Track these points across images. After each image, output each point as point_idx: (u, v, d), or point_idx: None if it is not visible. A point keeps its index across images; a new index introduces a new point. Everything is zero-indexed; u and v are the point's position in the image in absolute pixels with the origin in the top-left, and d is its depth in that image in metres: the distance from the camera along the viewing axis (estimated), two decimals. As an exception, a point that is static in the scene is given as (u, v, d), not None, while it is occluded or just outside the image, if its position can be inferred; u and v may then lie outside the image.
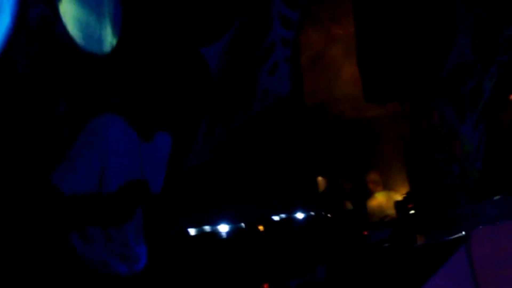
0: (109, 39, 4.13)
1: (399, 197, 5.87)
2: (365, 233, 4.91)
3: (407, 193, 5.62)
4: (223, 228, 4.59)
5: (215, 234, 4.51)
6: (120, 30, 4.15)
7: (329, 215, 5.37)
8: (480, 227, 4.07)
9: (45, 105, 3.74)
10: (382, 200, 5.94)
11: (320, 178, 6.02)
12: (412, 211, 5.35)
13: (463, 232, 3.98)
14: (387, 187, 6.18)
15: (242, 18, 5.10)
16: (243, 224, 4.70)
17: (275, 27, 5.41)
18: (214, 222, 4.59)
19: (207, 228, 4.54)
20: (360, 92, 5.50)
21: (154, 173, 3.16)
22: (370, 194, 5.85)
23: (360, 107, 5.99)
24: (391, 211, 5.78)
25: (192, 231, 4.37)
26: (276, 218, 5.07)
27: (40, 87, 3.74)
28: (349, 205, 5.86)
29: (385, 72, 4.99)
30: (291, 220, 5.19)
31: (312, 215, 5.37)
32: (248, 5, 5.12)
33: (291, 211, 5.24)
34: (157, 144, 3.12)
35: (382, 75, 4.99)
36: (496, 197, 4.55)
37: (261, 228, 4.73)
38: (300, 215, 5.31)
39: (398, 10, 5.04)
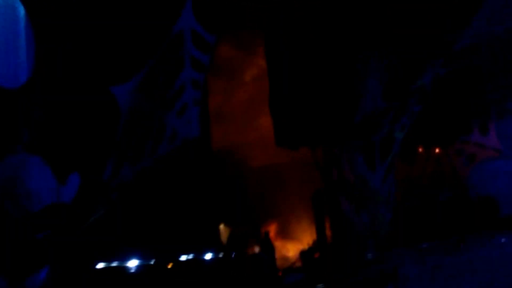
0: (21, 76, 4.11)
1: (303, 246, 5.83)
2: (280, 274, 4.84)
3: (313, 242, 5.58)
4: (132, 263, 4.49)
5: (123, 269, 4.43)
6: (32, 67, 4.14)
7: (237, 257, 5.19)
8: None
9: None
10: (284, 250, 5.93)
11: (222, 226, 5.88)
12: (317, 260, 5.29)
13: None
14: (289, 235, 6.14)
15: (154, 59, 5.07)
16: (152, 261, 4.60)
17: (186, 69, 5.39)
18: (123, 258, 4.52)
19: (115, 263, 4.42)
20: (268, 138, 5.51)
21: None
22: (271, 244, 5.75)
23: (268, 153, 5.97)
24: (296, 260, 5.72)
25: (100, 265, 4.26)
26: (184, 257, 5.00)
27: None
28: (255, 250, 5.72)
29: (297, 117, 5.03)
30: (200, 260, 5.11)
31: (220, 257, 5.22)
32: (160, 47, 5.10)
33: (200, 252, 5.08)
34: (69, 185, 2.97)
35: (294, 120, 5.03)
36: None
37: (169, 265, 4.64)
38: (208, 256, 5.20)
39: (311, 57, 5.18)
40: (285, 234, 5.99)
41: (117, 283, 4.03)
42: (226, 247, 5.45)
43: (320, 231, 5.42)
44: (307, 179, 5.69)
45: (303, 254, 5.50)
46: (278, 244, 5.83)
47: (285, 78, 5.06)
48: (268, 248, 5.27)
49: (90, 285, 3.72)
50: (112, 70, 4.87)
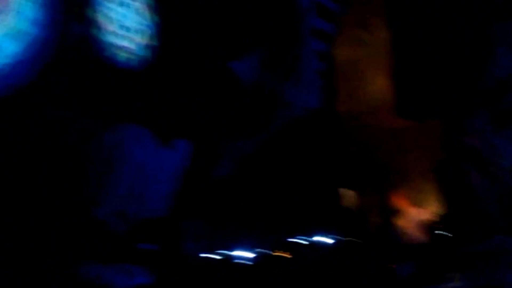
0: (145, 54, 4.25)
1: (427, 215, 5.55)
2: (393, 266, 4.48)
3: (439, 216, 5.30)
4: (249, 255, 4.44)
5: (241, 260, 4.40)
6: (155, 47, 4.27)
7: (354, 241, 5.10)
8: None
9: (80, 120, 3.83)
10: (411, 218, 5.64)
11: (345, 191, 5.74)
12: (441, 233, 5.04)
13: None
14: (415, 203, 5.89)
15: (275, 32, 5.07)
16: (268, 251, 4.54)
17: (309, 41, 5.34)
18: (238, 247, 4.47)
19: (230, 253, 4.41)
20: (391, 101, 5.32)
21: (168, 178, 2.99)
22: (397, 211, 5.53)
23: (392, 118, 5.76)
24: (419, 232, 5.49)
25: (216, 256, 4.28)
26: (301, 242, 4.88)
27: (75, 102, 3.85)
28: (374, 223, 5.57)
29: (423, 88, 4.81)
30: (317, 246, 4.98)
31: (339, 242, 5.10)
32: (281, 20, 5.08)
33: (314, 233, 5.02)
34: (177, 150, 2.99)
35: (420, 91, 4.81)
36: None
37: (287, 255, 4.55)
38: (326, 240, 5.06)
39: (435, 24, 4.88)
40: (410, 202, 5.76)
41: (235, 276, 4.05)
42: (348, 216, 5.36)
43: (445, 202, 5.12)
44: (433, 145, 5.42)
45: (426, 228, 5.25)
46: (402, 213, 5.62)
47: (410, 48, 4.83)
48: (387, 232, 5.04)
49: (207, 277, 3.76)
50: (234, 46, 4.96)
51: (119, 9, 4.12)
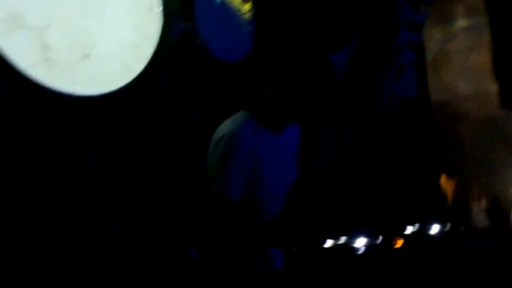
0: (243, 50, 4.28)
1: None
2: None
3: None
4: (360, 242, 4.42)
5: (351, 248, 4.38)
6: (253, 41, 4.29)
7: (462, 229, 5.05)
8: None
9: (185, 113, 3.85)
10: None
11: (446, 179, 5.67)
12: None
13: None
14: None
15: (370, 24, 5.04)
16: (380, 238, 4.49)
17: (403, 31, 5.31)
18: (348, 233, 4.45)
19: (342, 240, 4.39)
20: (485, 88, 5.23)
21: (289, 164, 3.02)
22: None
23: (487, 103, 5.67)
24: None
25: (328, 243, 4.24)
26: (410, 230, 4.83)
27: (181, 97, 3.86)
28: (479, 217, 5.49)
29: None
30: (426, 234, 4.92)
31: (448, 230, 5.03)
32: (376, 12, 5.05)
33: (423, 221, 4.95)
34: (288, 136, 3.03)
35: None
36: None
37: (397, 244, 4.47)
38: (435, 228, 5.00)
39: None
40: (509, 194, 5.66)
41: (346, 262, 4.01)
42: (453, 209, 5.30)
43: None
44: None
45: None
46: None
47: (510, 37, 4.74)
48: (500, 220, 5.01)
49: (320, 263, 3.75)
50: (329, 38, 4.95)
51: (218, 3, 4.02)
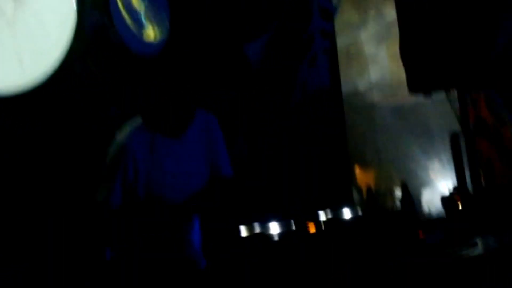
0: (157, 41, 4.23)
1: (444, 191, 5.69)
2: (421, 235, 4.44)
3: (454, 188, 5.44)
4: (273, 227, 4.46)
5: (267, 236, 4.40)
6: (168, 32, 4.26)
7: (372, 212, 5.18)
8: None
9: (99, 108, 3.79)
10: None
11: (357, 167, 5.83)
12: (460, 207, 5.18)
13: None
14: (427, 179, 6.02)
15: (283, 13, 5.08)
16: (292, 223, 4.55)
17: (315, 20, 5.37)
18: (262, 219, 4.46)
19: (257, 226, 4.40)
20: (397, 78, 5.38)
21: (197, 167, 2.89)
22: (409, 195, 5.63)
23: (398, 93, 5.84)
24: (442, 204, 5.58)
25: (244, 232, 4.25)
26: (323, 216, 4.92)
27: (95, 92, 3.79)
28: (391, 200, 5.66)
29: (430, 61, 4.85)
30: (339, 220, 5.03)
31: (360, 215, 5.18)
32: (287, 2, 5.10)
33: (335, 207, 5.04)
34: (191, 138, 2.86)
35: (427, 63, 4.86)
36: None
37: (311, 227, 4.53)
38: (347, 214, 5.11)
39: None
40: (422, 178, 5.87)
41: (262, 251, 4.01)
42: (366, 197, 5.42)
43: (459, 176, 5.26)
44: (443, 119, 5.53)
45: (443, 200, 5.38)
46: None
47: (416, 23, 4.87)
48: (408, 202, 5.20)
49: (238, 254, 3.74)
50: (243, 29, 4.96)
51: None
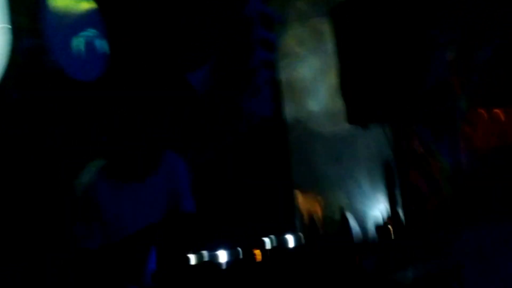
0: (96, 68, 4.22)
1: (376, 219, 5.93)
2: (357, 259, 4.65)
3: (388, 217, 5.69)
4: (221, 255, 4.55)
5: (215, 264, 4.49)
6: (107, 59, 4.26)
7: (315, 239, 5.35)
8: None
9: (37, 134, 3.74)
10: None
11: (298, 193, 6.00)
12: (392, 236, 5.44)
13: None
14: (360, 208, 6.25)
15: (224, 44, 5.21)
16: (240, 252, 4.63)
17: (257, 51, 5.53)
18: (210, 247, 4.53)
19: (205, 255, 4.47)
20: (337, 108, 5.63)
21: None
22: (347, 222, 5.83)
23: (336, 120, 6.07)
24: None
25: (192, 260, 4.31)
26: (268, 243, 5.03)
27: (32, 117, 3.76)
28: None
29: (366, 93, 5.14)
30: (284, 248, 5.15)
31: (302, 242, 5.32)
32: (230, 32, 5.22)
33: (278, 233, 5.19)
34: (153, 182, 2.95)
35: (364, 96, 5.15)
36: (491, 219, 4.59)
37: (258, 255, 4.64)
38: (290, 240, 5.25)
39: (376, 31, 5.23)
40: (355, 206, 6.10)
41: (211, 280, 4.06)
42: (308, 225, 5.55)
43: (392, 204, 5.53)
44: (379, 148, 5.80)
45: (378, 229, 5.61)
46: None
47: (354, 60, 5.15)
48: (346, 229, 5.38)
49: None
50: (184, 59, 5.04)
51: (68, 19, 4.00)
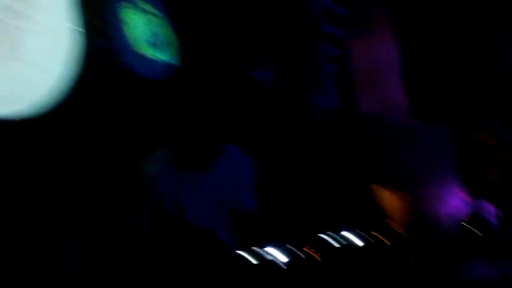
0: (167, 65, 4.27)
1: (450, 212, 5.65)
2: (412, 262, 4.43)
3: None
4: (282, 258, 4.40)
5: (277, 264, 4.34)
6: (177, 57, 4.31)
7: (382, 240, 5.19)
8: None
9: (112, 134, 3.84)
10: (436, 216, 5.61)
11: (378, 188, 5.73)
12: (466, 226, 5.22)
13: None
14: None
15: (291, 39, 5.21)
16: (298, 248, 4.52)
17: (323, 46, 5.50)
18: (268, 244, 4.42)
19: (267, 255, 4.37)
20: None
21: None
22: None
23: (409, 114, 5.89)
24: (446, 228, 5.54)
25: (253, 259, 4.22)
26: (333, 242, 4.86)
27: (103, 114, 3.89)
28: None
29: (434, 89, 5.00)
30: (350, 246, 4.92)
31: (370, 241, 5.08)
32: (295, 28, 5.22)
33: (342, 229, 5.09)
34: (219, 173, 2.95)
35: (432, 92, 5.01)
36: None
37: (317, 256, 4.53)
38: (358, 242, 5.06)
39: (445, 26, 5.06)
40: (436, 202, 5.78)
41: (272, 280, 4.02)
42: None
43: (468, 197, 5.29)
44: (449, 143, 5.59)
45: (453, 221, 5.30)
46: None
47: (425, 52, 5.02)
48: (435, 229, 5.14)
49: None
50: (252, 57, 5.10)
51: (140, 21, 4.10)
